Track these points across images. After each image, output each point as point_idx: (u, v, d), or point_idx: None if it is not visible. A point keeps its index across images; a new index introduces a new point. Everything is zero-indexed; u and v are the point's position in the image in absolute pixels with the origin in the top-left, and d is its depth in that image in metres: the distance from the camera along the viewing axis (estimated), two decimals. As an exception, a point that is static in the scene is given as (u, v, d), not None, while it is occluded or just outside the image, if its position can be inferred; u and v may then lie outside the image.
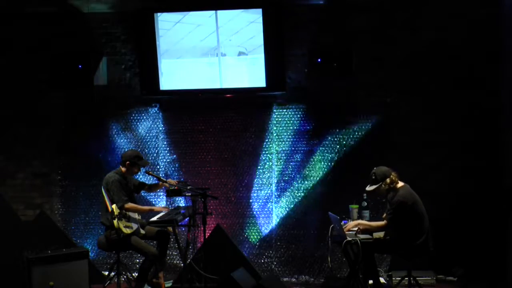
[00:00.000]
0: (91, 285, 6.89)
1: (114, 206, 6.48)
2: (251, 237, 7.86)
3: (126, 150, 7.31)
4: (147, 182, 7.12)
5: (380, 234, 6.18)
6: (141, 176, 7.63)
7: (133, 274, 7.05)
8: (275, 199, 7.83)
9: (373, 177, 6.17)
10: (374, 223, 6.25)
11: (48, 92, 7.83)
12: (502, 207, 6.93)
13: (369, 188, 6.21)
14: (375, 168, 6.20)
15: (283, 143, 7.83)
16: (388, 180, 6.11)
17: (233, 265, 6.65)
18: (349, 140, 7.66)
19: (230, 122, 7.88)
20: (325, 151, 7.73)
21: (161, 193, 7.75)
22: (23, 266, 6.61)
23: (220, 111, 7.88)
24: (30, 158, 8.05)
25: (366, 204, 6.82)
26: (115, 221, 6.41)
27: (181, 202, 7.69)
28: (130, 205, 6.61)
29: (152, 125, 7.98)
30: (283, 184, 7.81)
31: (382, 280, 6.65)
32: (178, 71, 7.73)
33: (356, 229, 6.33)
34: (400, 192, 6.11)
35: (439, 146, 7.51)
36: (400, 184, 6.18)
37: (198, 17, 7.55)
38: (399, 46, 7.55)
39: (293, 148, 7.82)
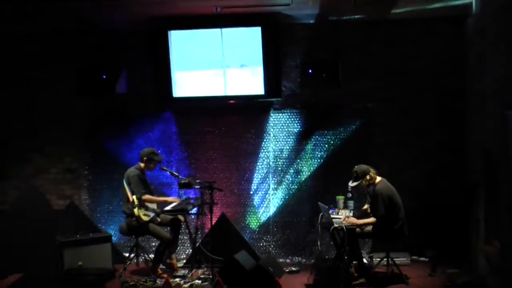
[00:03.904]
0: (114, 264, 6.97)
1: (134, 197, 6.55)
2: (252, 224, 7.87)
3: (143, 148, 7.23)
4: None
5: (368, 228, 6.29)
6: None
7: (150, 256, 7.10)
8: (272, 191, 7.83)
9: (355, 175, 6.27)
10: (366, 221, 6.28)
11: (77, 99, 7.82)
12: (465, 199, 6.97)
13: (351, 184, 6.31)
14: (356, 166, 6.30)
15: (279, 142, 7.83)
16: (368, 177, 6.23)
17: (236, 248, 6.68)
18: (336, 140, 7.67)
19: (233, 125, 7.88)
20: (316, 149, 7.74)
21: (174, 186, 7.79)
22: (56, 248, 6.71)
23: (224, 115, 7.89)
24: (62, 155, 8.08)
25: (350, 195, 6.96)
26: (135, 210, 6.50)
27: (191, 193, 7.72)
28: (147, 196, 6.68)
29: (166, 127, 7.95)
30: (279, 178, 7.81)
31: (364, 261, 6.70)
32: (188, 81, 7.69)
33: (342, 218, 6.45)
34: (378, 186, 6.23)
35: (413, 146, 7.56)
36: (378, 179, 6.30)
37: (206, 34, 7.55)
38: (379, 59, 7.60)
39: (288, 147, 7.81)
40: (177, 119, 7.95)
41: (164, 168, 7.18)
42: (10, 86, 8.10)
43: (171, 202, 7.06)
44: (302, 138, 7.79)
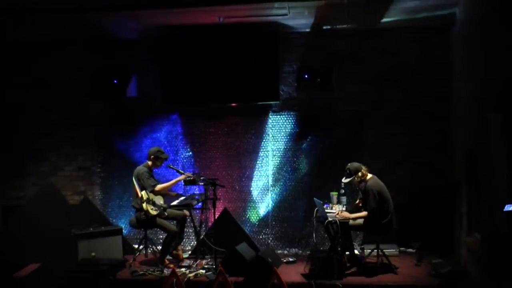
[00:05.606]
0: (124, 255, 7.02)
1: (143, 192, 6.60)
2: (252, 218, 7.90)
3: (151, 147, 7.24)
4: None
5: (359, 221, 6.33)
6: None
7: (158, 247, 7.16)
8: (271, 187, 7.85)
9: (348, 172, 6.30)
10: (358, 215, 6.31)
11: (90, 102, 7.87)
12: (450, 194, 7.01)
13: (344, 180, 6.35)
14: (349, 164, 6.33)
15: (277, 142, 7.85)
16: (359, 174, 6.26)
17: (237, 240, 6.72)
18: (330, 140, 7.66)
19: (235, 126, 7.89)
20: (311, 149, 7.75)
21: (180, 183, 7.65)
22: (71, 240, 6.75)
23: (226, 117, 7.90)
24: (76, 154, 8.14)
25: (343, 191, 6.97)
26: (144, 205, 6.56)
27: (195, 190, 7.72)
28: (159, 186, 6.74)
29: (172, 128, 7.99)
30: (277, 175, 7.83)
31: (356, 252, 6.74)
32: (193, 85, 7.62)
33: (336, 212, 6.48)
34: (369, 182, 6.27)
35: (402, 146, 7.57)
36: (369, 175, 6.33)
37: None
38: (370, 65, 7.61)
39: (285, 147, 7.83)
40: (182, 121, 7.98)
41: (171, 166, 7.23)
42: (29, 90, 8.16)
43: (179, 195, 7.11)
44: (298, 138, 7.81)
